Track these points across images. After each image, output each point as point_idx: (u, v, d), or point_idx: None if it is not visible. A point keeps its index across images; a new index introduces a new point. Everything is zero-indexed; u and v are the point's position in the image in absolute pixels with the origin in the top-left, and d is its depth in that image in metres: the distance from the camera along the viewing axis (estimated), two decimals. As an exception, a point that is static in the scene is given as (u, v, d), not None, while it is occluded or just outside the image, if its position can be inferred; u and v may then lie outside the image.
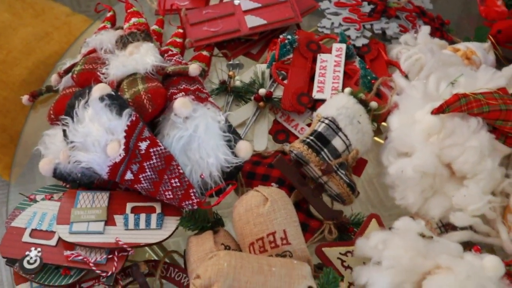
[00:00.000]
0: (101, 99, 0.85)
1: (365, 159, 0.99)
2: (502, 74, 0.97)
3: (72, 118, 0.87)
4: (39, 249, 0.84)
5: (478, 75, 0.94)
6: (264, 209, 0.81)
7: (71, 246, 0.84)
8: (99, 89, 0.86)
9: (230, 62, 1.12)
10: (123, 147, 0.84)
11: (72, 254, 0.83)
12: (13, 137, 1.55)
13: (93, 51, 1.03)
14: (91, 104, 0.86)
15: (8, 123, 1.52)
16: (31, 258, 0.83)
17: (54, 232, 0.86)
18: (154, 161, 0.85)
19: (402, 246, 0.79)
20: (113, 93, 0.87)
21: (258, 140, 1.03)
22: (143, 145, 0.85)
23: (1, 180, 1.82)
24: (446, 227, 0.88)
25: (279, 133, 1.04)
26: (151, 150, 0.85)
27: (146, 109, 0.89)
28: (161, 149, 0.85)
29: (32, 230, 0.87)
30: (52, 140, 0.95)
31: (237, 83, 1.07)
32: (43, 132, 0.97)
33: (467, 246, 0.83)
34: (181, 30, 1.13)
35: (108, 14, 1.16)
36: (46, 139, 0.96)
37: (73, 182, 0.92)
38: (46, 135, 0.96)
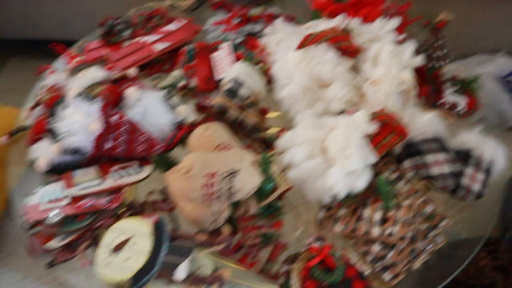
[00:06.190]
0: (78, 95, 1.20)
1: (266, 108, 1.41)
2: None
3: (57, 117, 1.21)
4: (57, 209, 1.12)
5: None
6: (208, 132, 1.18)
7: (80, 200, 1.14)
8: (74, 90, 1.21)
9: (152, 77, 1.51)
10: (101, 122, 1.18)
11: (84, 203, 1.12)
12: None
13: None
14: (71, 102, 1.20)
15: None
16: (53, 214, 1.10)
17: (63, 198, 1.14)
18: (125, 126, 1.19)
19: (305, 127, 1.20)
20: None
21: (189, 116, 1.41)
22: (115, 118, 1.19)
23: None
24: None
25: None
26: (121, 120, 1.20)
27: (108, 100, 1.25)
28: (127, 118, 1.20)
29: (46, 202, 1.14)
30: (38, 149, 1.25)
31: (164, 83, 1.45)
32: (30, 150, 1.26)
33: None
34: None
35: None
36: (33, 150, 1.25)
37: (66, 168, 1.22)
38: (32, 149, 1.26)
